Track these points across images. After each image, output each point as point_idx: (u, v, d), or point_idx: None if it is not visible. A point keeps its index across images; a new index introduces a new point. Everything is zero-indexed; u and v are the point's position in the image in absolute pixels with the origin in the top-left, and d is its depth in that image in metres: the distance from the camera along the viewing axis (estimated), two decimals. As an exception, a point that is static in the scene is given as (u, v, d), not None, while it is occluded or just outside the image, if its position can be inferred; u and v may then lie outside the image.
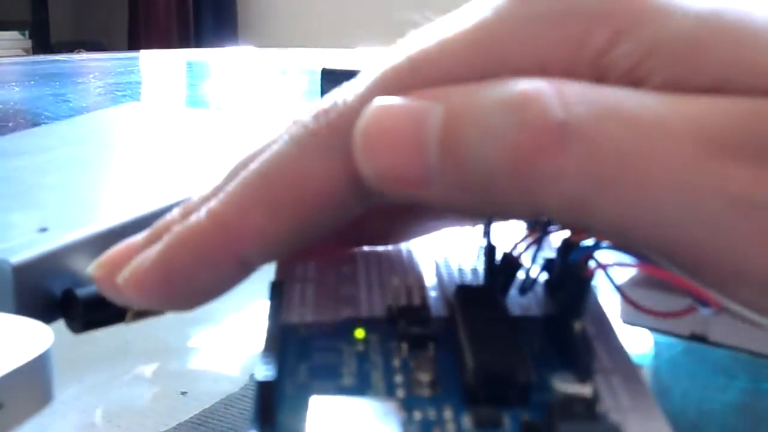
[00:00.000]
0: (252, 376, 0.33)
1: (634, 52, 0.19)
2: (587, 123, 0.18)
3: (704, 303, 0.19)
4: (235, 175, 0.23)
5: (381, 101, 0.20)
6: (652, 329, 0.28)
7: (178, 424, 0.29)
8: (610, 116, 0.18)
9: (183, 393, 0.32)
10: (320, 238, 0.22)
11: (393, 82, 0.21)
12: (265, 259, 0.22)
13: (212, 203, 0.22)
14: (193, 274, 0.22)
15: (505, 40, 0.20)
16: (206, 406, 0.30)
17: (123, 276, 0.22)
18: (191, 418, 0.29)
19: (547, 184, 0.18)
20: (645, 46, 0.19)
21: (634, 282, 0.25)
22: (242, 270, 0.22)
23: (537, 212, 0.19)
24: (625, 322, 0.27)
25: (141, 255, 0.22)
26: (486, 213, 0.21)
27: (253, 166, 0.22)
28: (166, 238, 0.22)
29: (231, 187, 0.22)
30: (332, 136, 0.21)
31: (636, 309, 0.23)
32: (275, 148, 0.22)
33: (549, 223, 0.22)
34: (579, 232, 0.21)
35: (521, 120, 0.18)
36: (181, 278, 0.22)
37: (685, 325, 0.26)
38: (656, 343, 0.32)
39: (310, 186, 0.21)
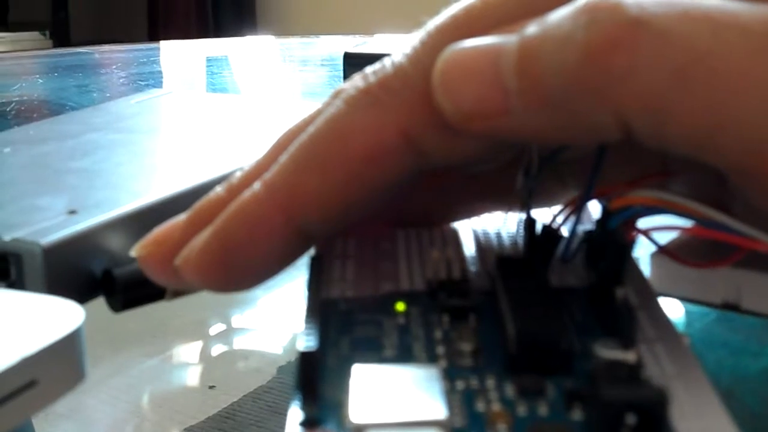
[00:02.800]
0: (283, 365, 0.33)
1: None
2: (662, 19, 0.18)
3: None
4: (280, 145, 0.23)
5: (455, 45, 0.20)
6: (684, 299, 0.28)
7: (206, 418, 0.29)
8: (686, 13, 0.18)
9: (211, 387, 0.32)
10: (372, 206, 0.22)
11: (452, 33, 0.21)
12: (320, 226, 0.22)
13: (266, 175, 0.22)
14: (251, 246, 0.22)
15: None
16: (234, 399, 0.30)
17: (181, 257, 0.22)
18: (219, 411, 0.29)
19: (622, 82, 0.18)
20: None
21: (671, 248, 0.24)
22: (299, 240, 0.22)
23: (616, 121, 0.19)
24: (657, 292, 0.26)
25: (197, 236, 0.22)
26: (566, 136, 0.20)
27: (304, 133, 0.22)
28: (222, 215, 0.22)
29: (284, 156, 0.22)
30: (383, 92, 0.21)
31: (682, 263, 0.23)
32: (327, 111, 0.22)
33: (587, 194, 0.21)
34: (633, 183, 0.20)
35: (593, 19, 0.18)
36: (239, 253, 0.22)
37: (718, 293, 0.26)
38: (688, 313, 0.32)
39: (361, 140, 0.21)
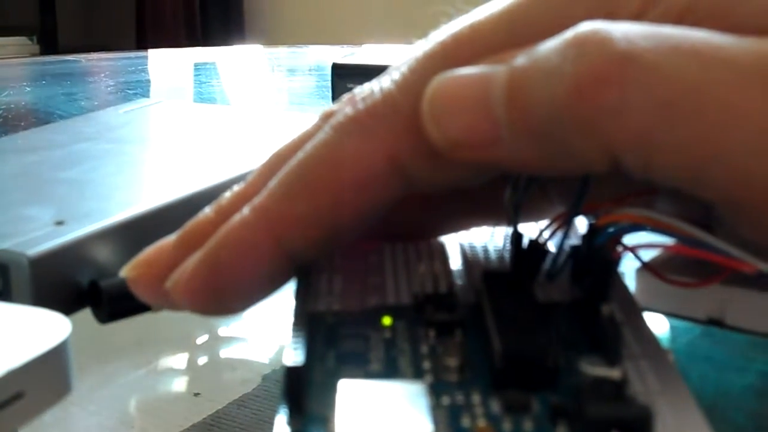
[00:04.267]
0: (267, 374, 0.33)
1: (671, 10, 0.19)
2: (651, 53, 0.18)
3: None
4: (269, 168, 0.23)
5: (444, 74, 0.20)
6: (669, 314, 0.28)
7: (191, 426, 0.29)
8: (674, 48, 0.18)
9: (196, 394, 0.32)
10: (359, 230, 0.22)
11: (440, 61, 0.21)
12: (309, 252, 0.22)
13: (256, 199, 0.22)
14: (240, 271, 0.22)
15: (540, 12, 0.20)
16: (219, 407, 0.30)
17: (171, 280, 0.22)
18: (204, 419, 0.29)
19: (612, 118, 0.18)
20: (681, 5, 0.19)
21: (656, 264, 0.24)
22: (288, 265, 0.22)
23: (604, 155, 0.19)
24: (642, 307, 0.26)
25: (187, 260, 0.22)
26: (554, 167, 0.20)
27: (294, 158, 0.22)
28: (212, 240, 0.22)
29: (273, 181, 0.22)
30: (371, 119, 0.21)
31: (666, 281, 0.23)
32: (316, 137, 0.22)
33: (575, 211, 0.22)
34: (621, 198, 0.20)
35: (581, 53, 0.18)
36: (228, 278, 0.22)
37: (702, 309, 0.26)
38: (673, 328, 0.32)
39: (349, 168, 0.21)
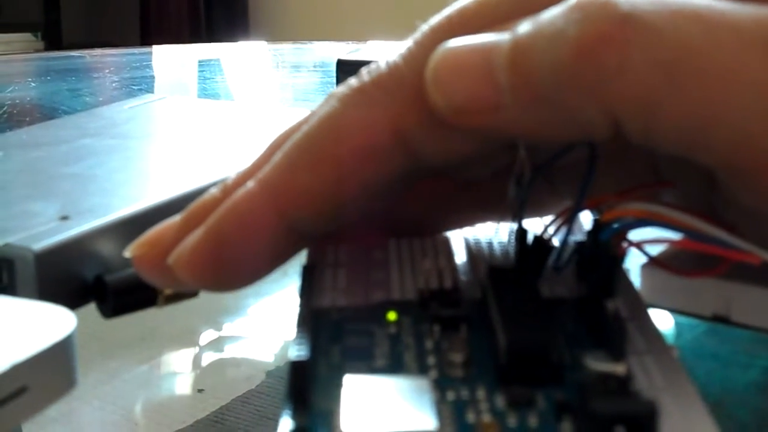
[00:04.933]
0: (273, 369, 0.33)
1: None
2: (653, 16, 0.18)
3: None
4: (276, 145, 0.23)
5: (449, 42, 0.21)
6: (674, 310, 0.28)
7: (195, 422, 0.29)
8: (677, 11, 0.18)
9: (200, 390, 0.32)
10: (363, 206, 0.22)
11: (446, 34, 0.21)
12: (312, 224, 0.22)
13: (260, 173, 0.22)
14: (243, 243, 0.22)
15: None
16: (223, 403, 0.30)
17: (174, 255, 0.22)
18: (208, 415, 0.29)
19: (613, 78, 0.18)
20: None
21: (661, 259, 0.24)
22: (291, 238, 0.22)
23: (606, 118, 0.19)
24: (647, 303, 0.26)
25: (191, 234, 0.22)
26: (556, 134, 0.20)
27: (298, 132, 0.22)
28: (215, 213, 0.22)
29: (278, 154, 0.22)
30: (377, 90, 0.22)
31: (672, 272, 0.23)
32: (321, 109, 0.22)
33: (579, 204, 0.22)
34: (621, 194, 0.20)
35: (584, 16, 0.19)
36: (231, 250, 0.22)
37: (708, 305, 0.26)
38: (678, 324, 0.32)
39: (353, 137, 0.21)
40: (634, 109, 0.19)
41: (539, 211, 0.25)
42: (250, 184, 0.22)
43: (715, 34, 0.18)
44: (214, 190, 0.24)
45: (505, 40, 0.20)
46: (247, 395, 0.31)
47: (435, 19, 0.22)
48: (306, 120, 0.23)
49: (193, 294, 0.33)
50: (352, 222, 0.23)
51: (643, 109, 0.18)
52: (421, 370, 0.19)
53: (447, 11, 0.22)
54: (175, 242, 0.23)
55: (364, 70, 0.22)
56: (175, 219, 0.24)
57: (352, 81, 0.22)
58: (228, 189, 0.23)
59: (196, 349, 0.35)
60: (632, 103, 0.18)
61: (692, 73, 0.18)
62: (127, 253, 0.24)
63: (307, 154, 0.22)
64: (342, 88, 0.22)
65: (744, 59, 0.18)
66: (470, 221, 0.26)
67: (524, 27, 0.20)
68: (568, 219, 0.22)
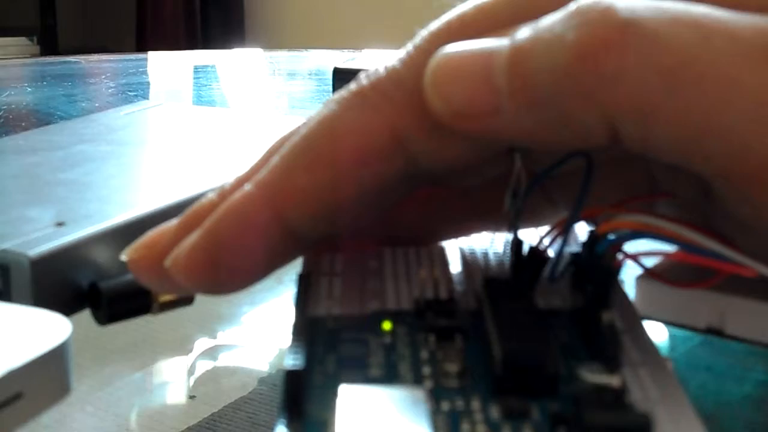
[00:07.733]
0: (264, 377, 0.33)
1: None
2: (652, 22, 0.18)
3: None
4: (274, 149, 0.23)
5: (448, 47, 0.21)
6: (669, 323, 0.28)
7: (187, 428, 0.29)
8: (676, 18, 0.18)
9: (192, 397, 0.32)
10: (360, 211, 0.22)
11: (445, 39, 0.21)
12: (309, 227, 0.22)
13: (257, 175, 0.22)
14: (240, 245, 0.22)
15: None
16: (215, 410, 0.30)
17: (170, 258, 0.22)
18: (200, 422, 0.29)
19: (611, 84, 0.18)
20: None
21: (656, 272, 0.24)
22: (288, 241, 0.22)
23: (603, 124, 0.19)
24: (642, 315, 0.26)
25: (187, 237, 0.22)
26: (553, 139, 0.21)
27: (296, 134, 0.22)
28: (212, 215, 0.22)
29: (276, 157, 0.22)
30: (375, 93, 0.22)
31: (668, 284, 0.23)
32: (319, 112, 0.22)
33: (574, 216, 0.22)
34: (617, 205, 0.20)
35: (584, 21, 0.19)
36: (228, 252, 0.22)
37: (702, 318, 0.26)
38: (672, 337, 0.32)
39: (351, 140, 0.21)
40: (631, 115, 0.19)
41: (535, 222, 0.25)
42: (248, 186, 0.22)
43: (713, 42, 0.18)
44: (211, 195, 0.24)
45: (504, 45, 0.20)
46: (238, 402, 0.30)
47: (434, 25, 0.22)
48: (303, 125, 0.23)
49: (187, 301, 0.33)
50: (348, 229, 0.23)
51: (641, 115, 0.19)
52: (417, 380, 0.19)
53: (446, 17, 0.22)
54: (171, 245, 0.23)
55: (362, 74, 0.22)
56: (172, 223, 0.24)
57: (351, 85, 0.22)
58: (225, 193, 0.23)
59: (191, 357, 0.35)
60: (630, 109, 0.19)
61: (690, 80, 0.18)
62: (124, 257, 0.24)
63: (305, 155, 0.22)
64: (341, 92, 0.22)
65: (742, 68, 0.18)
66: (466, 231, 0.26)
67: (523, 32, 0.20)
68: (564, 230, 0.22)
